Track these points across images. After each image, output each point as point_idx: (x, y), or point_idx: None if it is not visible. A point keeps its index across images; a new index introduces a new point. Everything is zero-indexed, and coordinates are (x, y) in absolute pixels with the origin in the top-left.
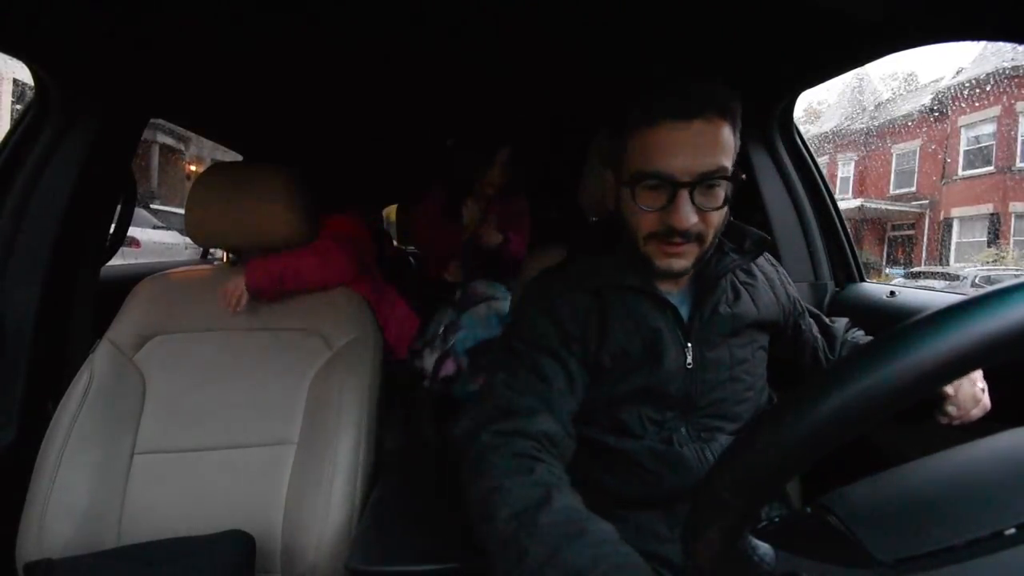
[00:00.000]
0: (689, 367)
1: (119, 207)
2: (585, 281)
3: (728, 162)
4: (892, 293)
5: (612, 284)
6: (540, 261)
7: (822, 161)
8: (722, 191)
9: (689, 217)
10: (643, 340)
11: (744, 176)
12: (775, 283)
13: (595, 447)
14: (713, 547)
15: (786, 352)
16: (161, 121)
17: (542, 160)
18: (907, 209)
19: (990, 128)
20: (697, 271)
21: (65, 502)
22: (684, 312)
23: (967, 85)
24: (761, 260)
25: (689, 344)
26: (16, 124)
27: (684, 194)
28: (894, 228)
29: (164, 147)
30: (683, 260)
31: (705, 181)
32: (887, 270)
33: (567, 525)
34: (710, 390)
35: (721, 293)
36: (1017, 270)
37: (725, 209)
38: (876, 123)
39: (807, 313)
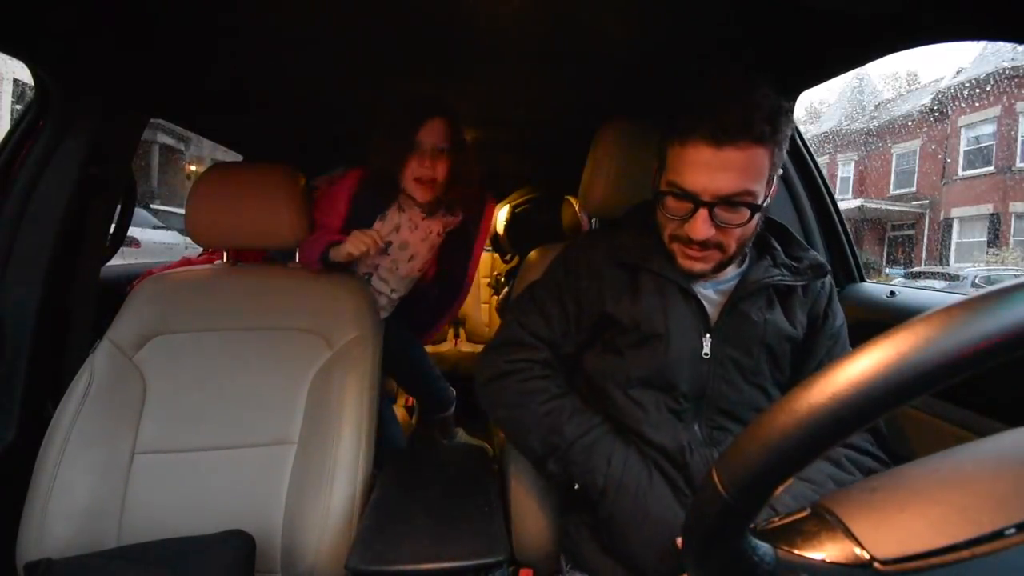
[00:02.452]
0: (706, 356)
1: (119, 207)
2: (621, 255)
3: (755, 185)
4: (892, 293)
5: (645, 267)
6: (545, 255)
7: (822, 161)
8: (746, 209)
9: (704, 231)
10: (661, 317)
11: (764, 203)
12: (819, 302)
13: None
14: (713, 547)
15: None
16: (161, 121)
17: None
18: (907, 209)
19: (990, 128)
20: (741, 274)
21: (65, 502)
22: (713, 305)
23: (967, 85)
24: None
25: (708, 335)
26: (16, 124)
27: (703, 211)
28: (894, 228)
29: (164, 147)
30: (702, 264)
31: (726, 202)
32: (887, 270)
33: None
34: (728, 388)
35: (757, 300)
36: (1017, 270)
37: (753, 222)
38: (876, 123)
39: (838, 342)
